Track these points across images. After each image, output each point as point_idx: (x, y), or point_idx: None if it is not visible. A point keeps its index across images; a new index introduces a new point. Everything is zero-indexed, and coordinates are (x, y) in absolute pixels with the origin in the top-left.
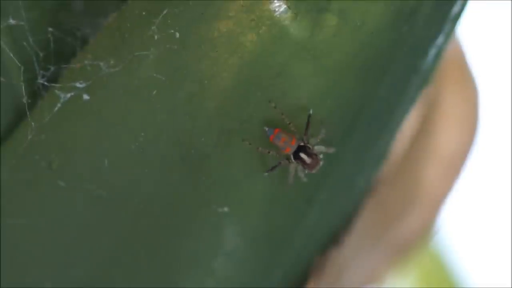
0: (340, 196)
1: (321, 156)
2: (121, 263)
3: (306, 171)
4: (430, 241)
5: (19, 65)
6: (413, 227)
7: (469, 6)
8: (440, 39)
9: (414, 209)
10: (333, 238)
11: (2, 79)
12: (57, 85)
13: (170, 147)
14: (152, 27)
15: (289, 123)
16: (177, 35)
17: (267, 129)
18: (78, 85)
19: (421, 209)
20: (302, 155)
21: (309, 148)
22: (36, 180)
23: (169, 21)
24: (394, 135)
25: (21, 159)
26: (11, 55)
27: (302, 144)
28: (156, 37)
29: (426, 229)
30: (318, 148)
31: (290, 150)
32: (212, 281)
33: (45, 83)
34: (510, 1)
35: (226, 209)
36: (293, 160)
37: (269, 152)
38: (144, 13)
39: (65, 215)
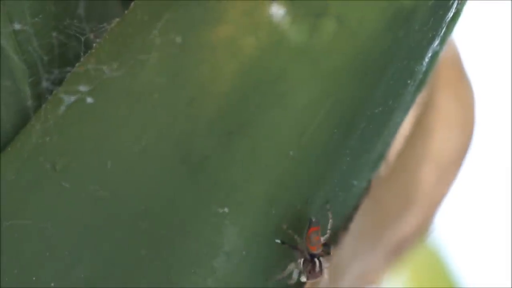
0: (337, 197)
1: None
2: (123, 262)
3: (303, 276)
4: (426, 241)
5: (24, 68)
6: (410, 228)
7: (465, 9)
8: (436, 43)
9: (411, 210)
10: (332, 239)
11: (7, 82)
12: (61, 88)
13: (171, 149)
14: (154, 32)
15: (296, 238)
16: (178, 39)
17: (313, 219)
18: (81, 88)
19: (418, 210)
20: (317, 261)
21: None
22: (41, 182)
23: (170, 26)
24: (392, 137)
25: (26, 161)
26: (16, 58)
27: (321, 254)
28: (157, 41)
29: (422, 230)
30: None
31: (316, 250)
32: (213, 281)
33: (50, 86)
34: (510, 1)
35: (226, 209)
36: (307, 259)
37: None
38: (145, 18)
39: (69, 215)
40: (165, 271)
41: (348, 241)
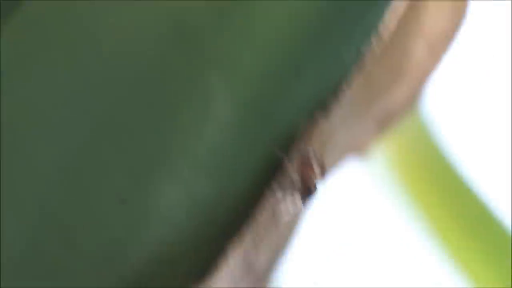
0: (328, 67)
1: None
2: (119, 123)
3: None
4: (415, 112)
5: None
6: (399, 99)
7: None
8: None
9: (400, 81)
10: (322, 108)
11: None
12: None
13: (164, 23)
14: None
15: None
16: None
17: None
18: None
19: (407, 81)
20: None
21: None
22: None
23: None
24: (384, 9)
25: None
26: None
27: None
28: None
29: (411, 102)
30: None
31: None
32: (202, 148)
33: None
34: None
35: (218, 80)
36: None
37: None
38: None
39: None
40: (160, 140)
41: (339, 110)
